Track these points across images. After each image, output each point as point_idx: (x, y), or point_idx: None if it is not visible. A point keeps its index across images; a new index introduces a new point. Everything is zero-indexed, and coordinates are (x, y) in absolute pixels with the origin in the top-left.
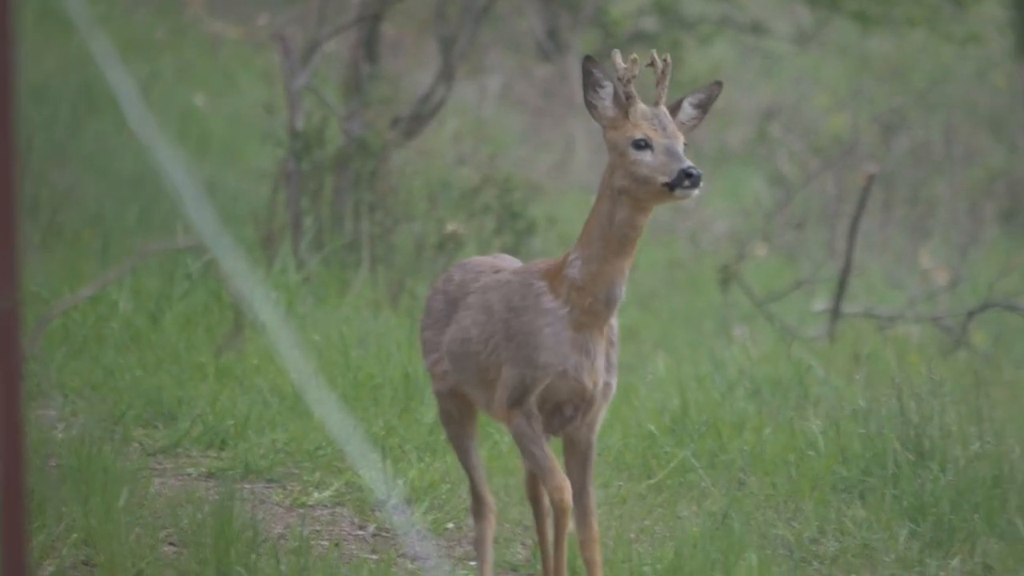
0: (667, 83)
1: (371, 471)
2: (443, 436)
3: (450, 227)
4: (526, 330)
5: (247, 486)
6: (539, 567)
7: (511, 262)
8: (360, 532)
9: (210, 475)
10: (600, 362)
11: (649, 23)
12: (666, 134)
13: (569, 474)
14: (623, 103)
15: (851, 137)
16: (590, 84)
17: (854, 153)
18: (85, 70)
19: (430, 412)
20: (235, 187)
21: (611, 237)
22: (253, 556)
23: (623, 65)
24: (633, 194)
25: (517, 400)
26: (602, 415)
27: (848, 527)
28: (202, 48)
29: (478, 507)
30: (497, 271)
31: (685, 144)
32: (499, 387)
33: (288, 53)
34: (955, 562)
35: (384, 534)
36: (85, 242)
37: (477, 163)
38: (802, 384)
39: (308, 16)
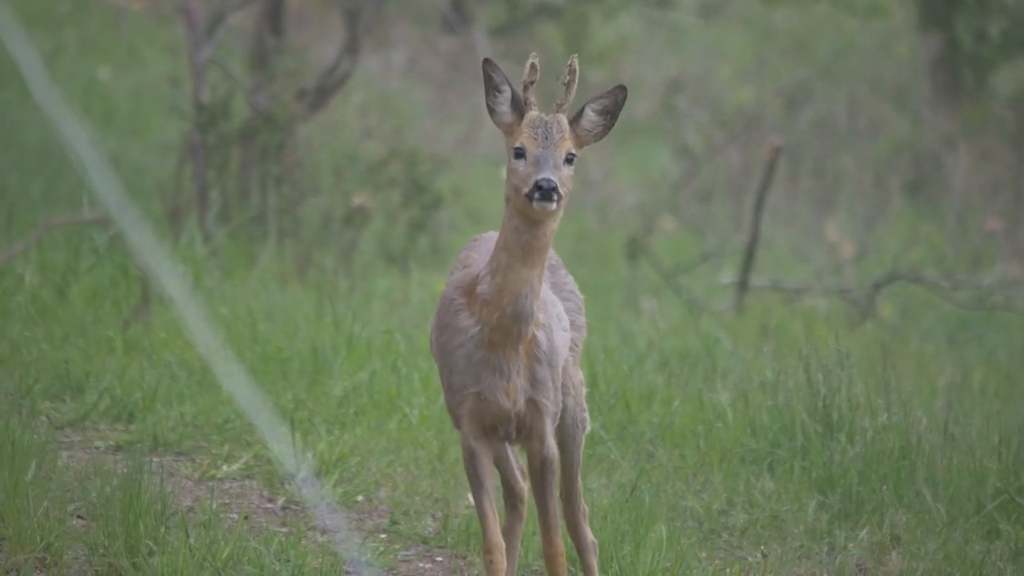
0: (573, 89)
1: (280, 444)
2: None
3: (356, 200)
4: (445, 350)
5: (155, 459)
6: (449, 539)
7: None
8: (270, 505)
9: (118, 448)
10: (517, 381)
11: None
12: (546, 143)
13: (532, 490)
14: (521, 108)
15: (756, 110)
16: (490, 88)
17: (759, 126)
18: None
19: (339, 384)
20: (141, 160)
21: (512, 246)
22: (162, 529)
23: (526, 70)
24: (513, 202)
25: (455, 423)
26: (549, 430)
27: (757, 499)
28: (106, 21)
29: (508, 495)
30: (465, 265)
31: (572, 154)
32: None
33: (193, 25)
34: (863, 533)
35: (294, 507)
36: None
37: (383, 136)
38: (710, 356)
39: None
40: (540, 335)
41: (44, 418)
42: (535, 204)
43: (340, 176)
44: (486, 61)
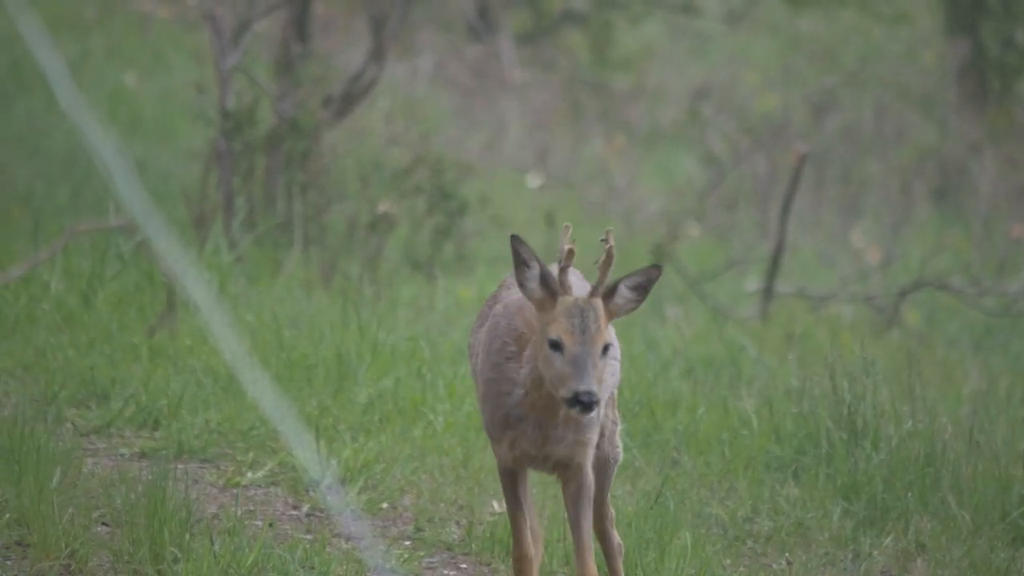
0: (609, 271)
1: (305, 451)
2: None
3: (382, 207)
4: (490, 388)
5: (180, 466)
6: (473, 546)
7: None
8: (294, 512)
9: (143, 455)
10: (557, 434)
11: (580, 3)
12: (583, 339)
13: (566, 512)
14: (552, 286)
15: (782, 117)
16: (518, 263)
17: (785, 133)
18: (14, 49)
19: (363, 392)
20: (166, 167)
21: (538, 387)
22: (186, 536)
23: (564, 248)
24: (543, 384)
25: (494, 443)
26: (588, 460)
27: (782, 506)
28: (132, 27)
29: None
30: (496, 302)
31: (608, 345)
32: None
33: (219, 32)
34: (888, 540)
35: (318, 514)
36: (15, 222)
37: (409, 143)
38: (735, 364)
39: None
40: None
41: (69, 425)
42: (571, 411)
43: (365, 183)
44: (514, 237)
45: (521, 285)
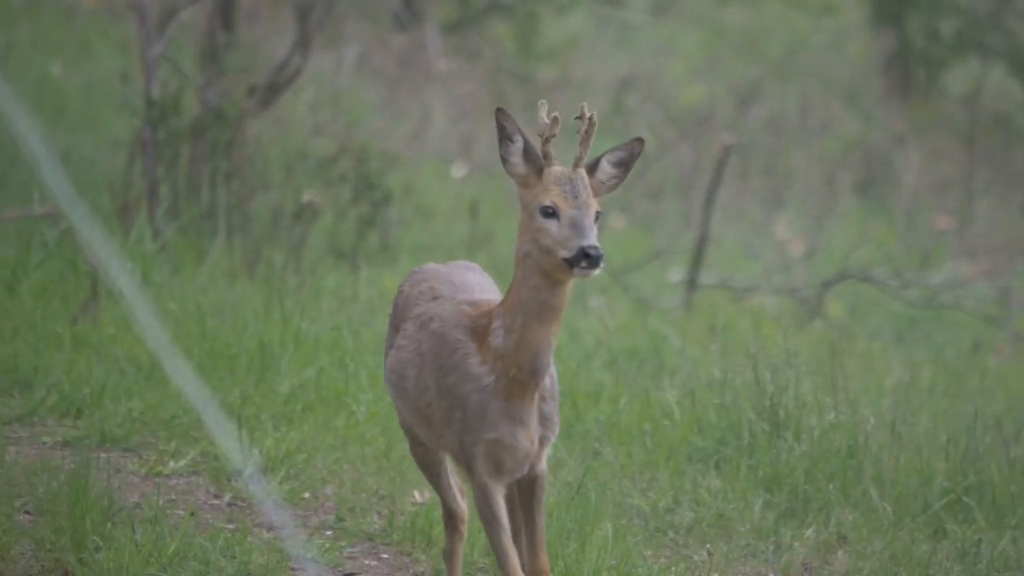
0: (591, 143)
1: (227, 440)
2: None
3: (306, 197)
4: (455, 393)
5: (103, 455)
6: (395, 536)
7: (462, 273)
8: (216, 501)
9: (66, 444)
10: (533, 424)
11: None
12: (576, 203)
13: (520, 505)
14: (536, 160)
15: (707, 108)
16: (502, 138)
17: (710, 124)
18: None
19: (286, 381)
20: (91, 156)
21: (530, 305)
22: (109, 525)
23: (545, 121)
24: (536, 261)
25: (468, 465)
26: (545, 453)
27: (703, 497)
28: (58, 17)
29: (448, 518)
30: (435, 296)
31: (599, 212)
32: (446, 439)
33: (144, 22)
34: (810, 532)
35: (240, 503)
36: None
37: (334, 133)
38: (658, 354)
39: None
40: (552, 370)
41: None
42: (577, 270)
43: (290, 172)
44: (499, 111)
45: (504, 160)
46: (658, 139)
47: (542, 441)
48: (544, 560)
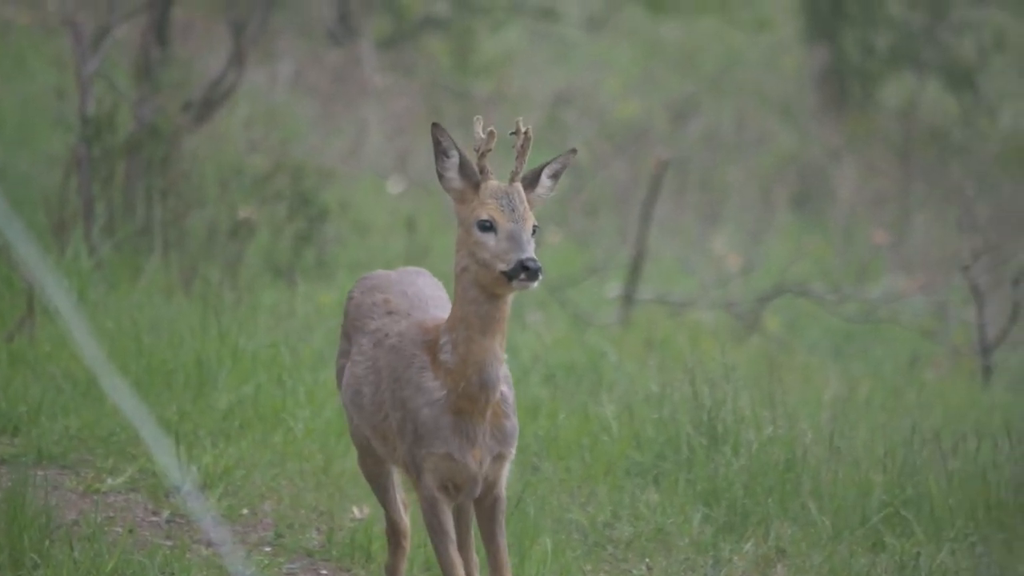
0: (527, 157)
1: (165, 457)
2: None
3: (242, 213)
4: (408, 406)
5: (40, 472)
6: (334, 552)
7: (413, 281)
8: (154, 518)
9: (2, 462)
10: (484, 441)
11: (441, 8)
12: (513, 216)
13: (480, 528)
14: (472, 175)
15: (643, 123)
16: (438, 153)
17: (646, 139)
18: None
19: (223, 398)
20: (26, 172)
21: (471, 318)
22: (46, 543)
23: (481, 136)
24: (474, 275)
25: (417, 478)
26: (504, 473)
27: (642, 511)
28: None
29: (391, 533)
30: (389, 311)
31: (535, 227)
32: (399, 452)
33: (79, 38)
34: (748, 546)
35: (178, 520)
36: None
37: (269, 149)
38: (596, 369)
39: (99, 1)
40: (505, 390)
41: None
42: (516, 283)
43: (226, 189)
44: (435, 126)
45: (440, 176)
46: (594, 154)
47: (499, 458)
48: None
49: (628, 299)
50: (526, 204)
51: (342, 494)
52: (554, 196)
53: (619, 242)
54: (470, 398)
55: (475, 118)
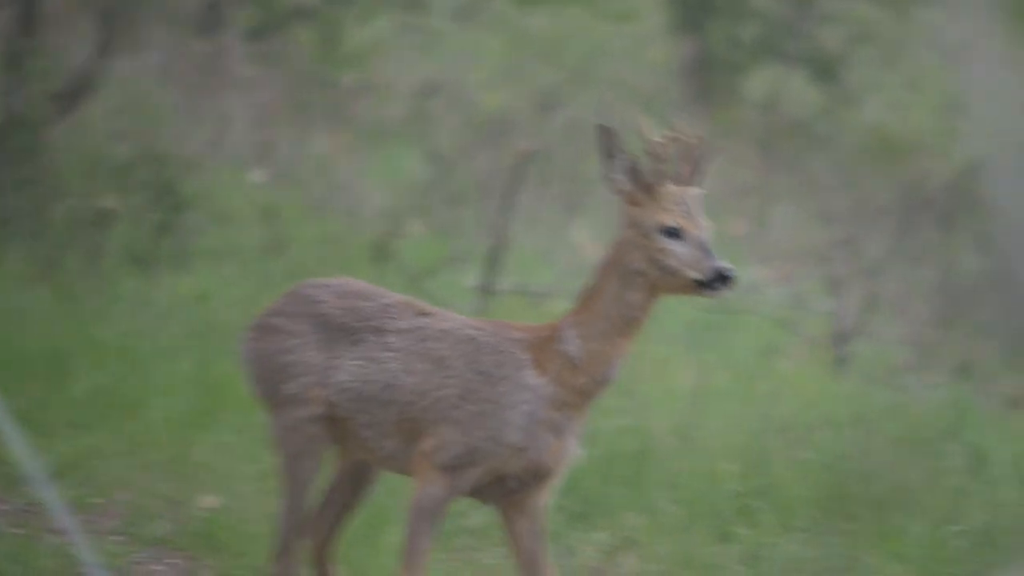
0: (697, 160)
1: (18, 445)
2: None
3: (104, 203)
4: (499, 402)
5: None
6: (184, 542)
7: (363, 288)
8: (5, 507)
9: None
10: (571, 442)
11: None
12: (696, 223)
13: (519, 540)
14: (642, 179)
15: (508, 114)
16: (605, 154)
17: (511, 130)
18: None
19: (80, 387)
20: None
21: (618, 318)
22: None
23: (656, 140)
24: (653, 280)
25: (453, 468)
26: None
27: None
28: None
29: (292, 565)
30: (422, 313)
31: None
32: (430, 443)
33: None
34: (599, 535)
35: (30, 509)
36: None
37: (134, 138)
38: None
39: None
40: None
41: None
42: (709, 291)
43: (88, 178)
44: (601, 127)
45: (607, 177)
46: (459, 146)
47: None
48: None
49: (487, 289)
50: (702, 211)
51: (194, 484)
52: (416, 186)
53: (481, 232)
54: (585, 394)
55: (640, 121)
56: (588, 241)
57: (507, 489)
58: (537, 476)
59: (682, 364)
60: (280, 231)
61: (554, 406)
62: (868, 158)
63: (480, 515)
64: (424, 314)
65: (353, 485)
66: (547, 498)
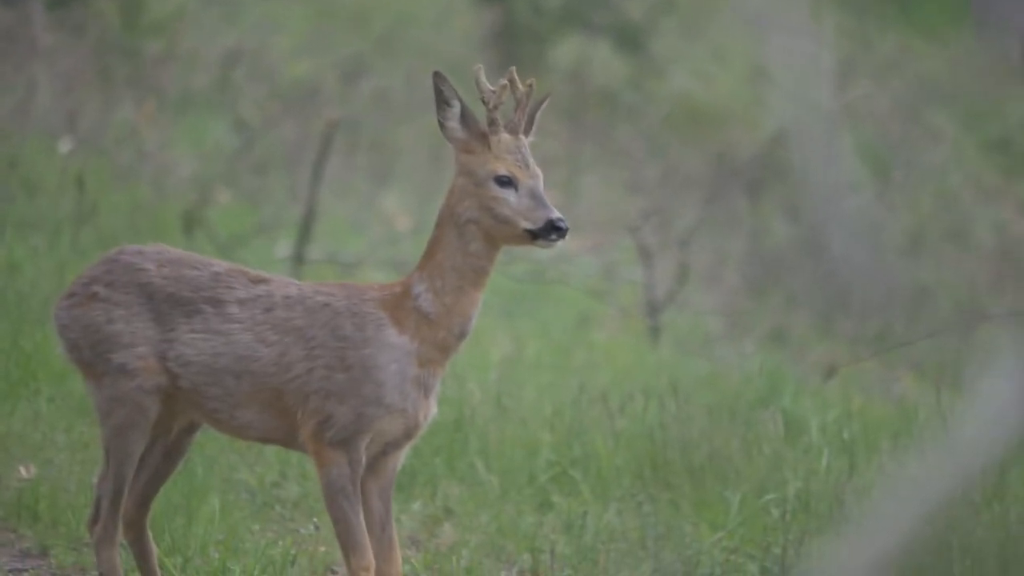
0: (527, 110)
1: None
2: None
3: None
4: (368, 364)
5: None
6: (0, 512)
7: (185, 256)
8: None
9: None
10: (433, 397)
11: None
12: (530, 172)
13: (367, 499)
14: (474, 125)
15: (314, 83)
16: (440, 102)
17: (317, 99)
18: None
19: None
20: None
21: (465, 269)
22: None
23: (489, 88)
24: (486, 229)
25: (345, 440)
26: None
27: (310, 471)
28: None
29: (112, 531)
30: (258, 280)
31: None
32: (313, 423)
33: None
34: (416, 505)
35: None
36: None
37: None
38: None
39: None
40: None
41: None
42: (543, 241)
43: None
44: (436, 74)
45: (441, 125)
46: (264, 114)
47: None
48: (398, 562)
49: (298, 258)
50: (533, 158)
51: (9, 454)
52: (224, 154)
53: (290, 201)
54: (444, 348)
55: (475, 67)
56: (398, 210)
57: (380, 454)
58: (407, 436)
59: (496, 334)
60: (88, 200)
61: (419, 363)
62: (676, 128)
63: (295, 486)
64: (260, 281)
65: (167, 453)
66: (401, 460)
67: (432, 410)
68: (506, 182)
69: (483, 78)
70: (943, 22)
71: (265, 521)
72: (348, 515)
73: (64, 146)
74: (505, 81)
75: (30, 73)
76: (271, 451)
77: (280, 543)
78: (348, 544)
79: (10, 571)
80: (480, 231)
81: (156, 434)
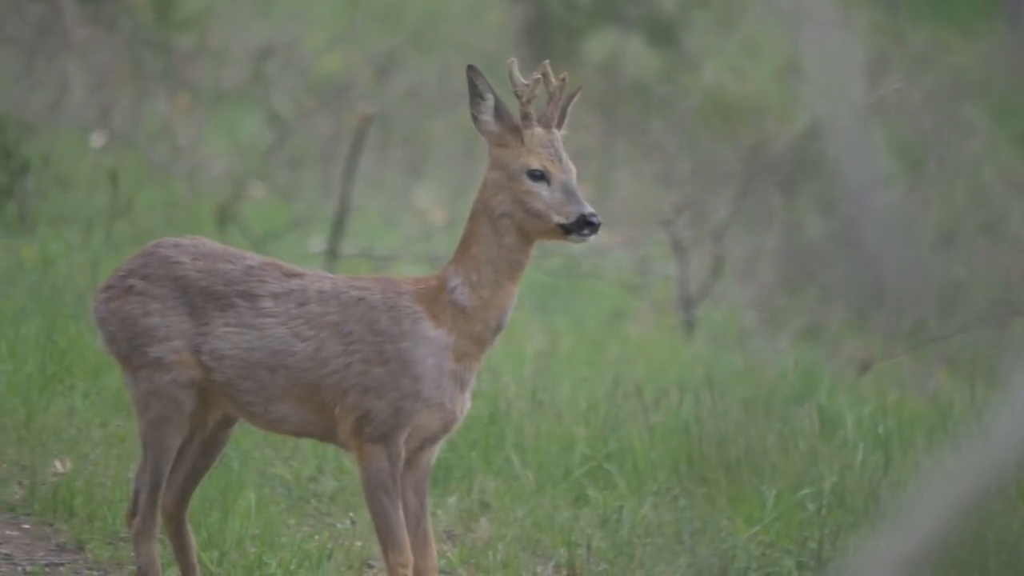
0: (560, 104)
1: None
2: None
3: None
4: (405, 358)
5: None
6: (36, 507)
7: (220, 250)
8: None
9: None
10: (469, 392)
11: None
12: (563, 167)
13: (403, 494)
14: (508, 119)
15: (346, 77)
16: (473, 96)
17: (350, 93)
18: None
19: None
20: None
21: (500, 263)
22: None
23: (523, 82)
24: (519, 223)
25: (384, 435)
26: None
27: (346, 465)
28: None
29: (150, 524)
30: (292, 274)
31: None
32: (352, 419)
33: None
34: (452, 500)
35: None
36: None
37: None
38: None
39: None
40: None
41: None
42: (575, 236)
43: None
44: (470, 68)
45: (475, 119)
46: (298, 108)
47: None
48: (434, 557)
49: (332, 253)
50: (566, 152)
51: (44, 448)
52: (257, 149)
53: (323, 196)
54: (480, 342)
55: (509, 61)
56: (431, 204)
57: (417, 448)
58: (444, 430)
59: (530, 328)
60: (122, 195)
61: (456, 357)
62: (708, 122)
63: (331, 480)
64: (294, 275)
65: (204, 447)
66: (435, 454)
67: (467, 404)
68: (539, 176)
69: (516, 72)
70: (975, 16)
71: (301, 515)
72: (388, 511)
73: (97, 141)
74: (538, 75)
75: (62, 68)
76: (307, 445)
77: (316, 537)
78: (387, 540)
79: (47, 565)
80: (513, 225)
81: (193, 428)
